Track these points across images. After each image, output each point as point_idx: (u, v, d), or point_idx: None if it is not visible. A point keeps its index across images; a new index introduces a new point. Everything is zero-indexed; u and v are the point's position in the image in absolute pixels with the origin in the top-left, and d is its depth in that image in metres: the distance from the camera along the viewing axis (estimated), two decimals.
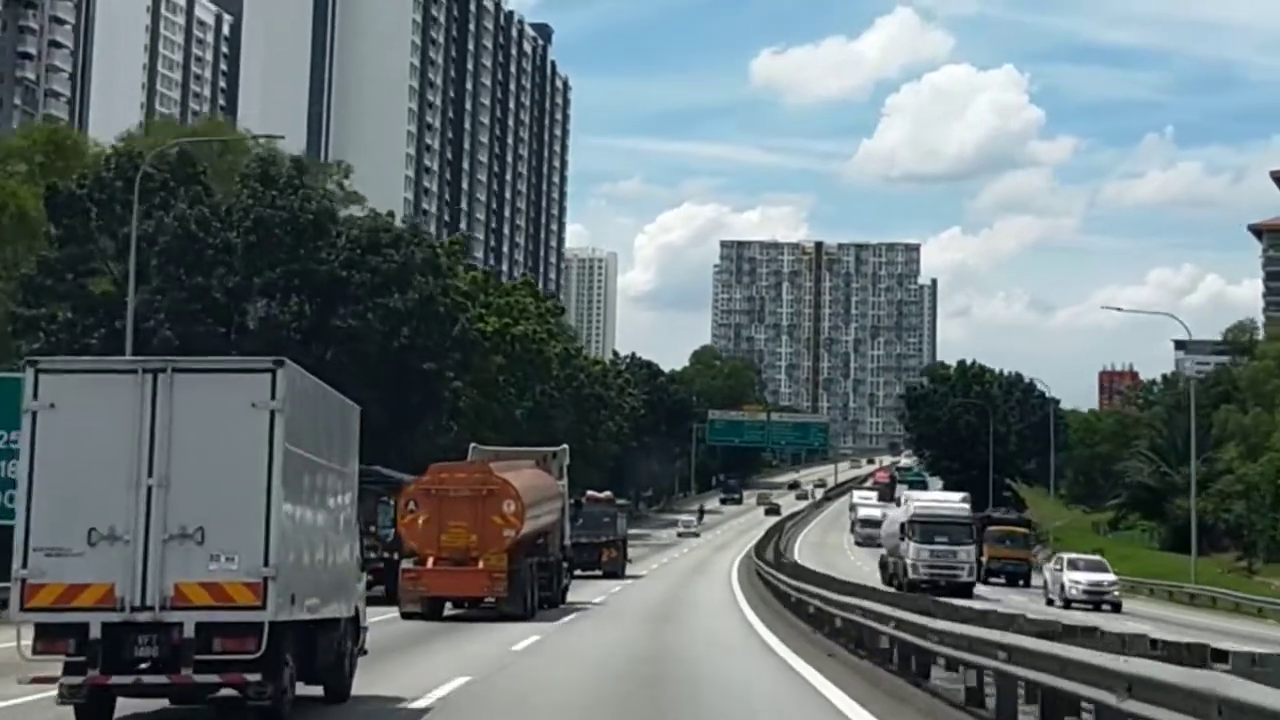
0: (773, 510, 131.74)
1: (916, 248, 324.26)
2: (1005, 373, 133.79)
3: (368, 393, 36.54)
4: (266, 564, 13.10)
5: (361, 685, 16.81)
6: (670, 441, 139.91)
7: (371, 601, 36.45)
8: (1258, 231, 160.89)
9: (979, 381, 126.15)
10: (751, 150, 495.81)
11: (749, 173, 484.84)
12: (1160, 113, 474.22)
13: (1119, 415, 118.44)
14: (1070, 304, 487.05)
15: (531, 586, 32.39)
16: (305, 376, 14.43)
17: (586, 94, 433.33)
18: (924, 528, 51.57)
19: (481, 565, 30.90)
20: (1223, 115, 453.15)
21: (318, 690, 15.91)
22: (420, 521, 31.48)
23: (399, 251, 63.65)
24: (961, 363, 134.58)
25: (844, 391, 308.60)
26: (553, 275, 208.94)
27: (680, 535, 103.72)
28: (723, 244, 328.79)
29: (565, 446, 42.00)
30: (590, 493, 59.17)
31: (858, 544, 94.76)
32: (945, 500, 58.19)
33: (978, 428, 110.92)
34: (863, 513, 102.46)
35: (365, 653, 17.49)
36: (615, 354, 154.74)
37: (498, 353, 77.43)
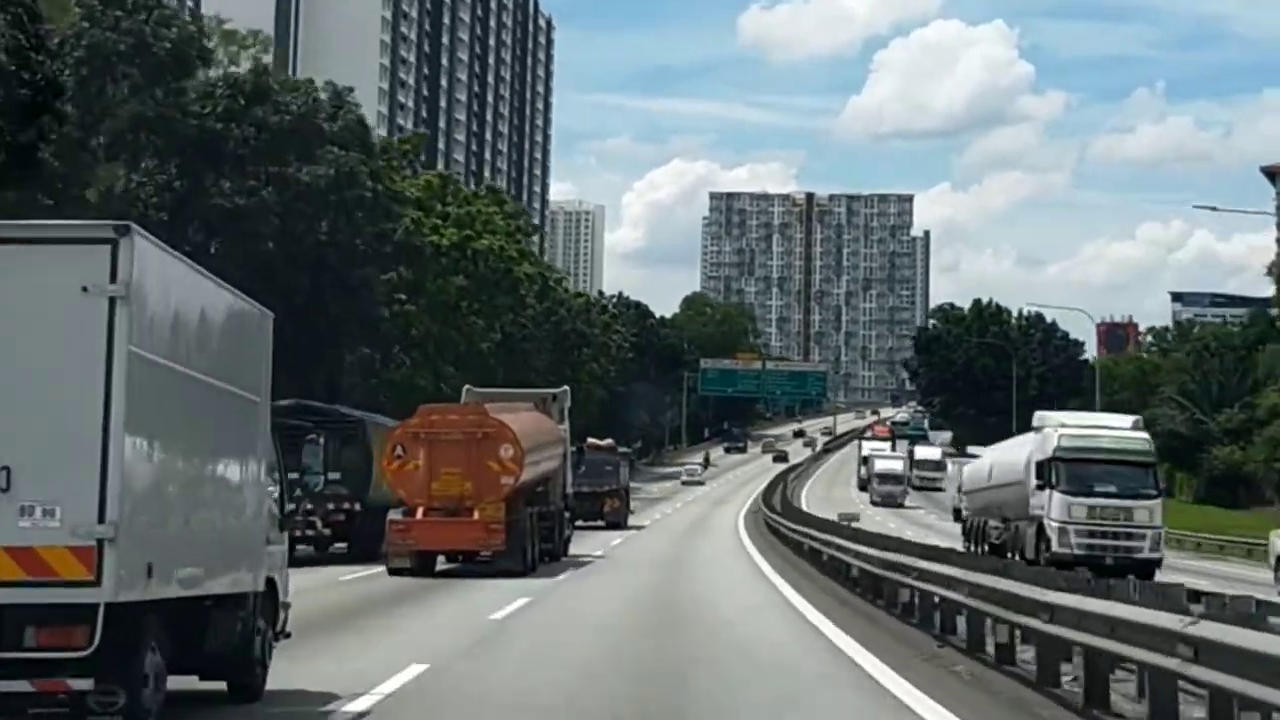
0: (780, 457, 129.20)
1: (909, 199, 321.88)
2: (1024, 313, 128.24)
3: (264, 294, 30.32)
4: (102, 520, 9.02)
5: (292, 675, 13.11)
6: (660, 389, 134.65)
7: (333, 560, 32.97)
8: (1271, 174, 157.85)
9: (996, 321, 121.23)
10: (739, 107, 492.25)
11: (737, 130, 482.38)
12: (1151, 67, 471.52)
13: (1139, 362, 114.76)
14: (1060, 259, 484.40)
15: (531, 538, 30.33)
16: (170, 255, 10.07)
17: (573, 51, 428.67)
18: (1078, 470, 31.88)
19: (477, 516, 28.62)
20: (1213, 70, 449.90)
21: (221, 685, 12.03)
22: (409, 468, 29.03)
23: (296, 103, 51.20)
24: (977, 301, 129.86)
25: (836, 345, 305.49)
26: (538, 224, 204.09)
27: (684, 483, 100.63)
28: (712, 195, 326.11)
29: (566, 389, 39.74)
30: (591, 440, 56.71)
31: (875, 503, 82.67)
32: (1110, 427, 34.92)
33: (994, 371, 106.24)
34: (880, 466, 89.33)
35: (288, 635, 13.42)
36: (600, 293, 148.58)
37: (457, 272, 67.51)
